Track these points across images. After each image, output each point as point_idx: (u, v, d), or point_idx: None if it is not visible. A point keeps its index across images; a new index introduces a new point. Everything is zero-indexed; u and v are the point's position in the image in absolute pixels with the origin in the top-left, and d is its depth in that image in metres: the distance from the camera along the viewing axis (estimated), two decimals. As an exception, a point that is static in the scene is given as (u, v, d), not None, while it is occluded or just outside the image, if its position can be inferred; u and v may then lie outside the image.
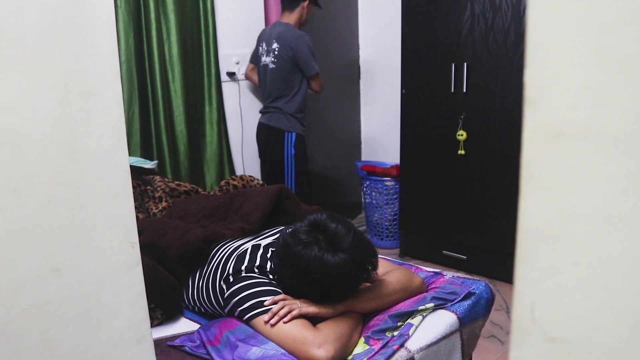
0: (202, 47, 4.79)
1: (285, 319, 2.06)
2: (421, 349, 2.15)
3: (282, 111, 4.73)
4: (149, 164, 3.97)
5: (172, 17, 4.50)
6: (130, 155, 3.98)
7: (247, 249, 2.39)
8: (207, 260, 2.51)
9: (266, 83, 4.81)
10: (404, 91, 4.83)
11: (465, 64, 4.35)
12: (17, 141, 1.11)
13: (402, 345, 2.12)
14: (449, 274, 2.67)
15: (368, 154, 6.27)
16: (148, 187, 3.52)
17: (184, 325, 2.44)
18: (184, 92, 4.65)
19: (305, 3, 4.68)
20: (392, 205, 5.43)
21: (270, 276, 2.28)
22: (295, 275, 2.15)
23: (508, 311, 3.99)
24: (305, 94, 4.83)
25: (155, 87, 4.45)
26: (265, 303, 2.13)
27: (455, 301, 2.39)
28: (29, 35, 1.11)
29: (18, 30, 1.10)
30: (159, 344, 2.18)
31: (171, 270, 2.47)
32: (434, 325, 2.26)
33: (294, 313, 2.07)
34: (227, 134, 5.02)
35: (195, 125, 4.81)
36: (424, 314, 2.29)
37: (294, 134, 4.74)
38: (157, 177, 3.67)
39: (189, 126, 4.74)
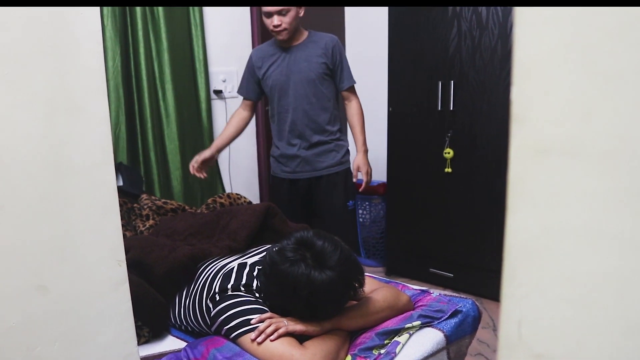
0: (193, 65, 4.79)
1: (272, 337, 2.05)
2: (408, 367, 2.15)
3: None
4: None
5: (163, 36, 4.51)
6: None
7: (234, 267, 2.39)
8: (194, 279, 2.50)
9: None
10: (390, 109, 4.83)
11: (452, 81, 4.35)
12: (2, 158, 1.11)
13: (389, 363, 2.11)
14: (435, 292, 2.67)
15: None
16: (135, 205, 3.52)
17: (171, 343, 2.42)
18: (177, 110, 4.64)
19: None
20: (379, 224, 5.43)
21: (257, 294, 2.28)
22: (282, 293, 2.14)
23: (495, 329, 3.99)
24: (269, 116, 4.25)
25: (143, 105, 4.45)
26: (252, 321, 2.12)
27: (442, 319, 2.38)
28: (15, 51, 1.11)
29: (3, 47, 1.09)
30: (146, 362, 2.18)
31: (158, 288, 2.46)
32: (420, 343, 2.25)
33: (280, 331, 2.07)
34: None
35: (185, 143, 4.80)
36: (411, 332, 2.28)
37: None
38: (144, 195, 3.67)
39: (181, 144, 4.73)
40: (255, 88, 4.15)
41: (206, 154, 4.08)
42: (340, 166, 4.12)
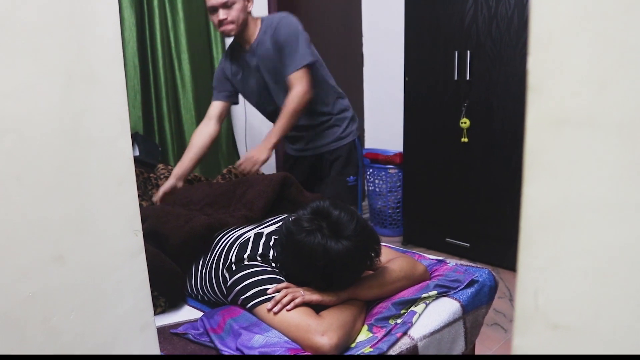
0: (209, 35, 4.78)
1: (288, 307, 2.05)
2: (424, 337, 2.15)
3: None
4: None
5: (179, 6, 4.50)
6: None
7: (250, 237, 2.39)
8: (210, 248, 2.51)
9: None
10: (407, 79, 4.82)
11: (468, 51, 4.33)
12: (20, 129, 1.11)
13: (405, 333, 2.11)
14: (452, 262, 2.66)
15: (371, 141, 6.25)
16: (151, 175, 3.52)
17: (187, 313, 2.44)
18: (193, 80, 4.63)
19: None
20: (395, 193, 5.43)
21: (273, 264, 2.28)
22: (298, 263, 2.14)
23: (511, 299, 3.99)
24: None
25: (158, 75, 4.45)
26: (269, 291, 2.13)
27: (459, 289, 2.38)
28: (32, 22, 1.11)
29: (21, 17, 1.09)
30: (162, 331, 2.18)
31: (174, 258, 2.47)
32: (437, 313, 2.25)
33: (297, 301, 2.07)
34: (231, 123, 5.02)
35: (202, 113, 4.77)
36: (427, 302, 2.29)
37: None
38: (161, 165, 3.67)
39: (197, 114, 4.72)
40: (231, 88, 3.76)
41: (167, 186, 3.44)
42: (341, 141, 3.77)
